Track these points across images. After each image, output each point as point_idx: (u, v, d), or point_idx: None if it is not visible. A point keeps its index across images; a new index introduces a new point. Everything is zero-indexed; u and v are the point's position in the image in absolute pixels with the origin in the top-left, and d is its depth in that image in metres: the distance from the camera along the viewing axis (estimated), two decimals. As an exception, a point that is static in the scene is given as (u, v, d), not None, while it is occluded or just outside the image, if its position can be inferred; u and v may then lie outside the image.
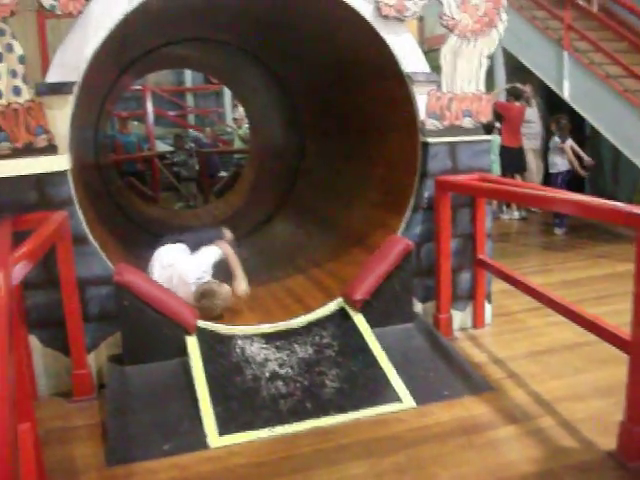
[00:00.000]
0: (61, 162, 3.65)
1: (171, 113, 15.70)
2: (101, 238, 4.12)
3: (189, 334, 3.80)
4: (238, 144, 11.72)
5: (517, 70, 9.28)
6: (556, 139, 8.10)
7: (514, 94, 9.01)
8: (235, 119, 12.81)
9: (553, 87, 8.58)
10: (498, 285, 4.76)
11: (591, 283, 5.82)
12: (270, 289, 5.00)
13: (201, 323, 3.92)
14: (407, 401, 3.51)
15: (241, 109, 11.79)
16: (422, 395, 3.56)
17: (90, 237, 3.82)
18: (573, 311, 3.51)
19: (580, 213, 3.45)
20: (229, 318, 4.29)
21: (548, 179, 8.50)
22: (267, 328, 4.10)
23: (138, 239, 6.38)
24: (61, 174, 3.66)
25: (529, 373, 3.93)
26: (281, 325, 4.13)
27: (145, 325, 3.75)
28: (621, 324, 3.12)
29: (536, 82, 9.59)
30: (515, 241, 7.90)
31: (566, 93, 8.24)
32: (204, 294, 4.22)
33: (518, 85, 8.99)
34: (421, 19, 10.78)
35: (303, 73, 6.40)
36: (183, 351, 3.74)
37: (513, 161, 8.75)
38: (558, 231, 8.02)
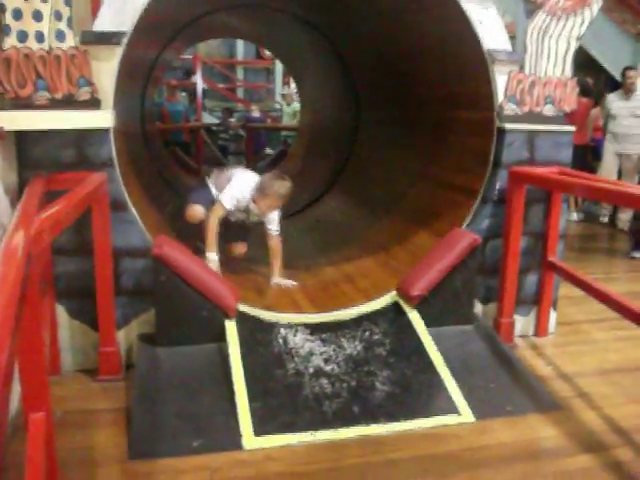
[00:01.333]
0: (104, 119, 3.32)
1: (220, 85, 15.44)
2: (141, 207, 3.81)
3: (229, 318, 3.46)
4: (287, 120, 11.38)
5: (583, 65, 8.75)
6: None
7: (582, 89, 8.46)
8: (284, 95, 12.49)
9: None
10: (561, 290, 4.36)
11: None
12: (318, 274, 4.63)
13: (243, 307, 3.58)
14: (465, 414, 3.13)
15: (292, 86, 11.46)
16: (482, 409, 3.17)
17: (129, 204, 3.50)
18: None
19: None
20: (272, 303, 3.95)
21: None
22: (313, 318, 3.74)
23: (177, 212, 6.08)
24: (103, 132, 3.33)
25: (600, 394, 3.51)
26: (329, 316, 3.77)
27: (182, 304, 3.43)
28: None
29: (604, 78, 9.10)
30: (573, 245, 7.40)
31: None
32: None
33: (588, 79, 8.45)
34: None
35: (366, 50, 6.00)
36: (221, 336, 3.40)
37: (577, 159, 8.22)
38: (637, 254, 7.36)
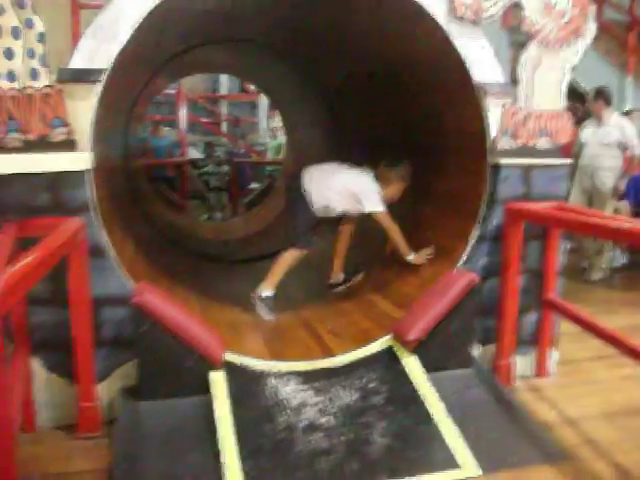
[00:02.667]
0: (80, 160, 3.14)
1: (204, 120, 15.35)
2: (122, 251, 3.62)
3: (215, 369, 3.27)
4: (271, 155, 11.28)
5: (570, 93, 8.72)
6: None
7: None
8: (273, 128, 12.41)
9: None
10: (561, 326, 4.20)
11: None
12: (308, 316, 4.45)
13: (230, 356, 3.38)
14: (469, 468, 2.92)
15: (277, 119, 11.38)
16: (486, 461, 2.96)
17: (109, 250, 3.31)
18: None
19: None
20: (260, 349, 3.76)
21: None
22: (305, 365, 3.55)
23: (163, 250, 5.90)
24: (79, 174, 3.15)
25: (608, 440, 3.32)
26: (321, 362, 3.58)
27: (165, 355, 3.22)
28: None
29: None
30: (569, 276, 7.24)
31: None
32: None
33: (577, 106, 8.39)
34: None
35: (351, 82, 5.89)
36: (207, 388, 3.20)
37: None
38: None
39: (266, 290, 4.38)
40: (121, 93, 4.66)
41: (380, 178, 4.42)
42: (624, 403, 3.80)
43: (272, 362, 3.52)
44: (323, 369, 3.53)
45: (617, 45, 8.29)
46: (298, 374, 3.46)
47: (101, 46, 3.17)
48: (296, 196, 4.43)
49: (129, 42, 3.24)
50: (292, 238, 4.42)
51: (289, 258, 4.39)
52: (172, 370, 3.23)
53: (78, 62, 3.14)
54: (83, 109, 3.15)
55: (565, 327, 4.17)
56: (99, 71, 3.15)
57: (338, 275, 4.83)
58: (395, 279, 4.52)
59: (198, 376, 3.23)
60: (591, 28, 3.98)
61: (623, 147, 6.71)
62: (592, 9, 3.99)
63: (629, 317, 5.50)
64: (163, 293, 3.40)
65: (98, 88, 3.17)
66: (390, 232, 4.36)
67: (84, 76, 3.12)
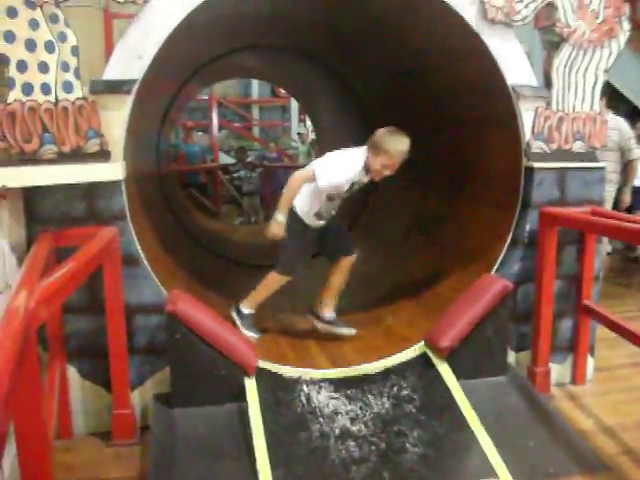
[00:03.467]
0: (114, 171, 3.18)
1: (236, 125, 15.44)
2: (155, 258, 3.66)
3: (248, 376, 3.27)
4: (303, 160, 11.29)
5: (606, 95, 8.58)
6: None
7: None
8: (300, 134, 12.42)
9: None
10: (597, 332, 4.13)
11: None
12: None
13: (263, 363, 3.39)
14: (503, 478, 2.89)
15: (308, 124, 11.38)
16: (522, 471, 2.92)
17: (142, 258, 3.35)
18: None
19: None
20: (294, 358, 3.75)
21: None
22: (337, 372, 3.54)
23: (197, 256, 5.94)
24: (113, 184, 3.19)
25: (648, 449, 3.27)
26: (353, 370, 3.57)
27: (198, 363, 3.24)
28: None
29: (624, 109, 8.93)
30: (604, 280, 7.12)
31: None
32: None
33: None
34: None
35: (382, 86, 5.87)
36: (240, 395, 3.20)
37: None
38: None
39: (247, 307, 4.00)
40: (154, 101, 4.72)
41: (373, 144, 3.64)
42: (663, 411, 3.72)
43: (304, 369, 3.51)
44: (355, 376, 3.52)
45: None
46: (330, 381, 3.45)
47: (133, 57, 3.20)
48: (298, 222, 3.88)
49: (160, 52, 3.27)
50: (283, 262, 3.95)
51: (273, 283, 3.97)
52: (206, 377, 3.25)
53: (110, 73, 3.17)
54: (116, 120, 3.19)
55: (601, 333, 4.10)
56: (131, 82, 3.19)
57: (326, 310, 4.10)
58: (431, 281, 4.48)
59: (232, 383, 3.24)
60: (625, 29, 3.91)
61: (622, 151, 6.22)
62: (626, 9, 3.92)
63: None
64: (196, 300, 3.41)
65: (130, 98, 3.21)
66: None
67: (117, 87, 3.16)
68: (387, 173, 3.64)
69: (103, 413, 3.36)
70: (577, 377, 4.04)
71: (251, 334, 3.91)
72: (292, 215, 3.79)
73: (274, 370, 3.43)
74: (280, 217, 3.69)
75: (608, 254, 8.27)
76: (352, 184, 3.72)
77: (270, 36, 5.72)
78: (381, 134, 3.61)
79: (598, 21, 3.86)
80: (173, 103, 6.58)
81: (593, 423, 3.55)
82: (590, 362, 4.10)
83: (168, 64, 4.05)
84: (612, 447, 3.29)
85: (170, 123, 7.67)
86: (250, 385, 3.23)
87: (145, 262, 3.36)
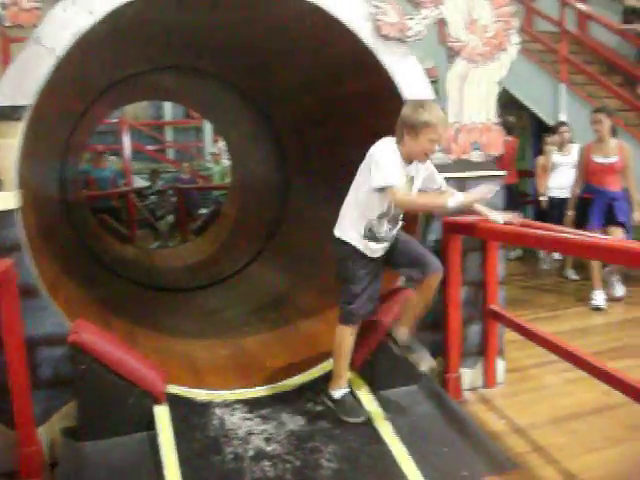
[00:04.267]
0: (6, 200, 3.07)
1: (149, 147, 15.22)
2: (59, 288, 3.55)
3: (158, 403, 3.20)
4: (217, 180, 11.23)
5: (508, 105, 8.89)
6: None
7: (505, 127, 8.54)
8: (213, 154, 12.36)
9: (549, 121, 8.21)
10: (507, 335, 4.24)
11: (608, 331, 5.32)
12: (253, 343, 4.40)
13: (172, 388, 3.32)
14: (419, 486, 2.92)
15: (221, 144, 11.33)
16: (436, 477, 2.97)
17: (42, 289, 3.23)
18: (602, 370, 3.09)
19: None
20: (206, 380, 3.70)
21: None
22: (250, 392, 3.52)
23: (107, 283, 5.80)
24: (6, 214, 3.08)
25: (557, 445, 3.36)
26: (267, 389, 3.55)
27: (105, 393, 3.14)
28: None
29: (528, 116, 9.28)
30: (514, 284, 7.35)
31: (563, 127, 7.81)
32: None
33: (510, 118, 8.53)
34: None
35: (289, 105, 5.91)
36: (152, 424, 3.13)
37: (509, 199, 8.24)
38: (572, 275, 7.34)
39: (337, 388, 3.38)
40: (52, 126, 4.59)
41: (406, 125, 3.13)
42: (572, 407, 3.86)
43: (217, 392, 3.47)
44: (269, 395, 3.50)
45: (550, 55, 8.47)
46: (245, 402, 3.43)
47: (24, 82, 3.10)
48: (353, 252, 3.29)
49: (55, 74, 3.19)
50: (348, 309, 3.31)
51: (346, 340, 3.35)
52: (114, 408, 3.15)
53: (0, 99, 3.07)
54: (7, 148, 3.08)
55: (511, 335, 4.21)
56: (22, 108, 3.09)
57: (400, 332, 3.48)
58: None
59: (141, 412, 3.17)
60: (515, 42, 4.07)
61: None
62: (515, 23, 4.08)
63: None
64: (101, 329, 3.33)
65: (22, 125, 3.10)
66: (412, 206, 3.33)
67: (6, 114, 3.05)
68: (437, 148, 3.22)
69: (8, 452, 3.20)
70: (488, 380, 4.13)
71: (360, 419, 3.32)
72: (346, 250, 3.28)
73: (186, 395, 3.38)
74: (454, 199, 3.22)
75: (518, 258, 8.56)
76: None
77: (181, 58, 5.68)
78: (410, 112, 3.12)
79: (488, 35, 4.01)
80: (78, 127, 6.43)
81: (505, 424, 3.64)
82: (500, 365, 4.21)
83: (67, 86, 3.96)
84: (522, 446, 3.38)
85: (76, 148, 7.49)
86: (159, 412, 3.16)
87: (45, 293, 3.24)
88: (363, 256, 3.26)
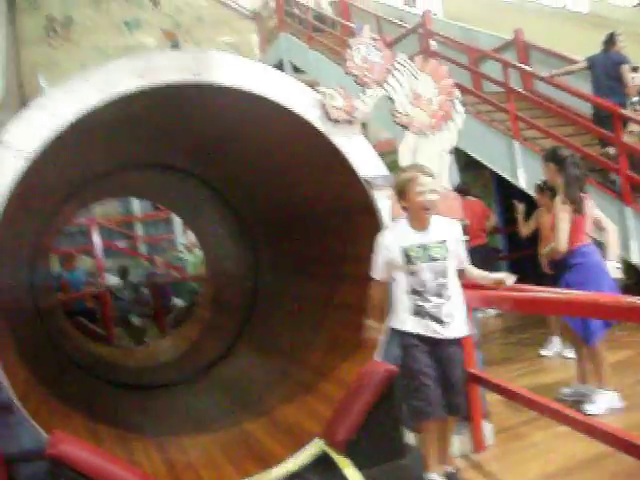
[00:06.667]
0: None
1: (120, 244, 15.22)
2: (34, 400, 3.51)
3: (145, 510, 3.14)
4: (192, 270, 11.25)
5: (468, 165, 9.11)
6: None
7: (460, 191, 8.66)
8: (186, 245, 12.40)
9: (508, 178, 8.41)
10: (491, 395, 4.21)
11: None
12: (234, 437, 4.33)
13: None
14: None
15: (190, 235, 11.39)
16: None
17: (16, 404, 3.19)
18: (587, 423, 3.15)
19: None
20: (192, 478, 3.64)
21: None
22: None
23: (87, 387, 5.72)
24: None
25: (551, 503, 3.35)
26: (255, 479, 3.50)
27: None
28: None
29: (489, 174, 9.49)
30: (494, 341, 7.39)
31: (522, 182, 8.03)
32: None
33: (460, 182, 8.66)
34: (364, 125, 10.72)
35: (253, 195, 6.02)
36: (138, 533, 3.06)
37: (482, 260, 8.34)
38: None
39: (437, 471, 3.49)
40: (19, 231, 4.61)
41: (397, 192, 3.47)
42: (562, 462, 3.85)
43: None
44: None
45: (500, 114, 8.75)
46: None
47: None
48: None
49: (22, 178, 3.23)
50: (415, 406, 3.39)
51: (429, 438, 3.47)
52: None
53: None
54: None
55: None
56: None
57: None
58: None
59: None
60: (459, 110, 4.23)
61: None
62: (457, 93, 4.26)
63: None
64: (80, 439, 3.27)
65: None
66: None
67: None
68: (431, 197, 3.29)
69: None
70: (477, 445, 4.10)
71: None
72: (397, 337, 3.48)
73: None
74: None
75: (499, 315, 8.60)
76: (409, 252, 3.30)
77: (148, 155, 5.77)
78: (395, 182, 3.50)
79: (434, 107, 4.17)
80: (46, 229, 6.45)
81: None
82: (488, 427, 4.19)
83: (35, 189, 3.99)
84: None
85: (45, 250, 7.49)
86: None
87: (20, 408, 3.20)
88: (420, 339, 3.36)
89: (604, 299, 3.21)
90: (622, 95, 7.43)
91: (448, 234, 3.38)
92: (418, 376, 3.31)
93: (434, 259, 3.30)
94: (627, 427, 3.81)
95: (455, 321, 3.35)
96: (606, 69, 7.60)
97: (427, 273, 3.28)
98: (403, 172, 3.43)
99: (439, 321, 3.30)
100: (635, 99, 7.35)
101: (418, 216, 3.32)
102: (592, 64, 7.83)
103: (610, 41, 7.65)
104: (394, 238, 3.36)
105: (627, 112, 6.97)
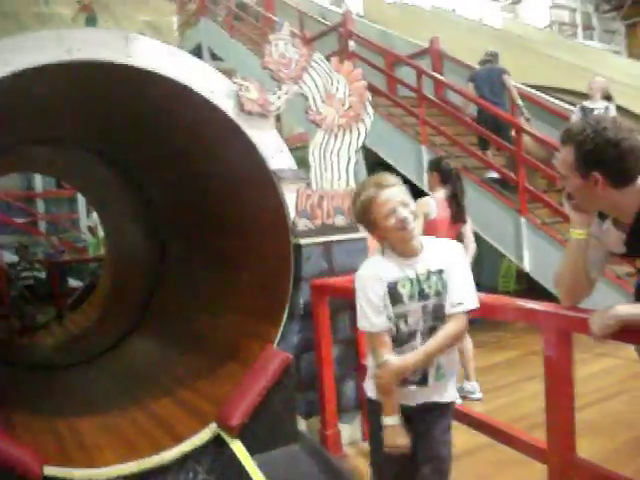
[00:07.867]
0: None
1: (19, 220, 14.69)
2: None
3: (34, 486, 3.13)
4: (92, 252, 11.02)
5: (377, 165, 9.34)
6: None
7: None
8: (90, 227, 12.14)
9: (414, 180, 8.69)
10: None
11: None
12: (132, 417, 4.35)
13: (50, 470, 3.25)
14: None
15: (94, 217, 11.16)
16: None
17: None
18: (471, 416, 3.30)
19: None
20: (84, 458, 3.64)
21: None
22: (132, 467, 3.48)
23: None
24: None
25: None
26: (148, 461, 3.53)
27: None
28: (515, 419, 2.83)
29: (396, 175, 9.74)
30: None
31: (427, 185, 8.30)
32: None
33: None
34: (279, 118, 10.79)
35: (161, 178, 6.00)
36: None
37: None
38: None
39: None
40: None
41: (362, 220, 2.59)
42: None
43: (97, 470, 3.42)
44: (152, 468, 3.49)
45: (410, 118, 9.01)
46: (125, 477, 3.40)
47: None
48: None
49: None
50: None
51: None
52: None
53: None
54: None
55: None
56: None
57: None
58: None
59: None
60: (370, 112, 4.40)
61: None
62: (368, 96, 4.42)
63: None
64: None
65: None
66: None
67: None
68: (403, 216, 2.40)
69: None
70: (366, 433, 4.28)
71: None
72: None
73: (63, 476, 3.30)
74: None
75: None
76: (396, 289, 2.47)
77: (48, 130, 5.64)
78: (355, 208, 2.56)
79: (345, 108, 4.32)
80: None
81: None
82: (376, 417, 4.38)
83: None
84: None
85: None
86: (36, 496, 3.09)
87: None
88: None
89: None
90: (504, 99, 8.42)
91: (446, 260, 2.53)
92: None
93: (425, 296, 2.49)
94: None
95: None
96: (491, 79, 8.35)
97: (417, 314, 2.49)
98: (357, 196, 2.54)
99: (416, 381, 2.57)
100: (520, 102, 8.31)
101: (399, 242, 2.49)
102: (476, 76, 8.52)
103: (495, 59, 8.62)
104: (375, 272, 2.53)
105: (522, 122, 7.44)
